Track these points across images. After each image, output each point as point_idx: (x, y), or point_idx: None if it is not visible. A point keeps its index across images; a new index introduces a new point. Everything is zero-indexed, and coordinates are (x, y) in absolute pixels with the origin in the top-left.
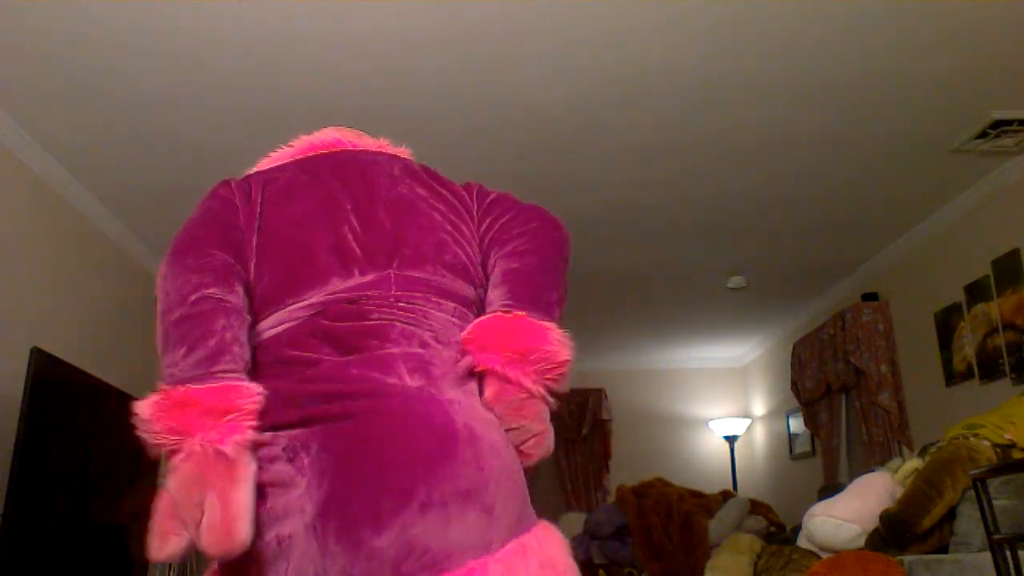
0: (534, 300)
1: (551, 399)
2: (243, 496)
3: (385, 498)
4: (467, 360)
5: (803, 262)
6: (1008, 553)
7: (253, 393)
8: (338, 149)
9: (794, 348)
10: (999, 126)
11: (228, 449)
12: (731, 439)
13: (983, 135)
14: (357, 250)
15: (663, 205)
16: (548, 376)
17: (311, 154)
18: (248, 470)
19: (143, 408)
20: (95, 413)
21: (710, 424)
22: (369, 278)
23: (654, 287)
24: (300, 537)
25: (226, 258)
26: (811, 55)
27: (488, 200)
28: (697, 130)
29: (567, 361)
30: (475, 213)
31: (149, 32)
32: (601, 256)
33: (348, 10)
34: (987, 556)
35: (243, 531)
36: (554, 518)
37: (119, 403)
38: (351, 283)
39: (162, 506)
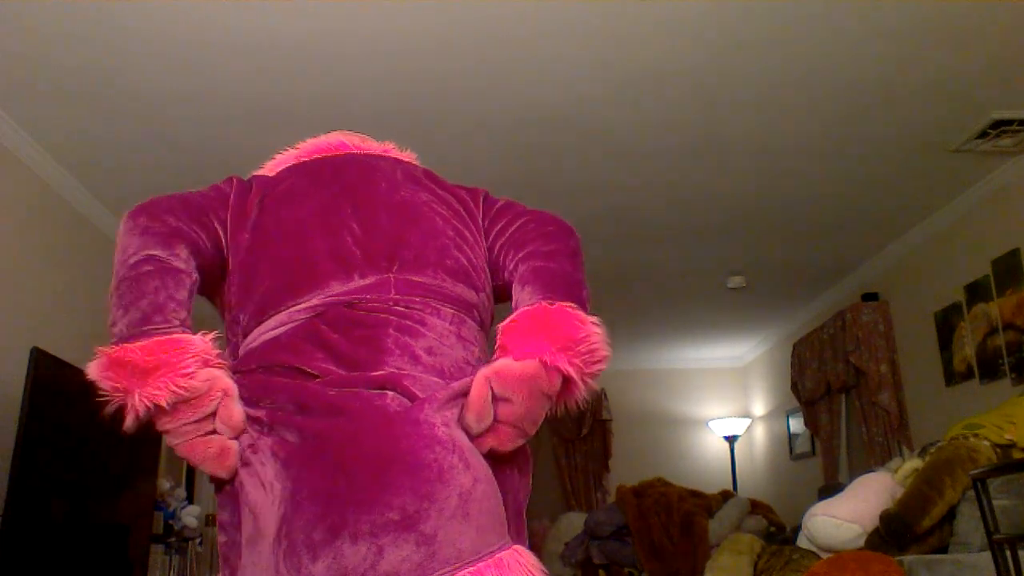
0: (571, 295)
1: (587, 391)
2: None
3: (320, 526)
4: (461, 384)
5: (803, 262)
6: (1008, 553)
7: (183, 344)
8: (342, 152)
9: (794, 348)
10: (999, 126)
11: (164, 403)
12: (731, 439)
13: (983, 135)
14: (357, 253)
15: (663, 205)
16: (589, 369)
17: (316, 156)
18: (193, 406)
19: (90, 370)
20: (95, 413)
21: (710, 424)
22: (368, 281)
23: (654, 287)
24: (267, 551)
25: (178, 224)
26: (811, 56)
27: (496, 207)
28: (698, 131)
29: (607, 356)
30: (480, 219)
31: (150, 33)
32: (601, 256)
33: (349, 12)
34: (987, 556)
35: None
36: (554, 518)
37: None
38: (350, 286)
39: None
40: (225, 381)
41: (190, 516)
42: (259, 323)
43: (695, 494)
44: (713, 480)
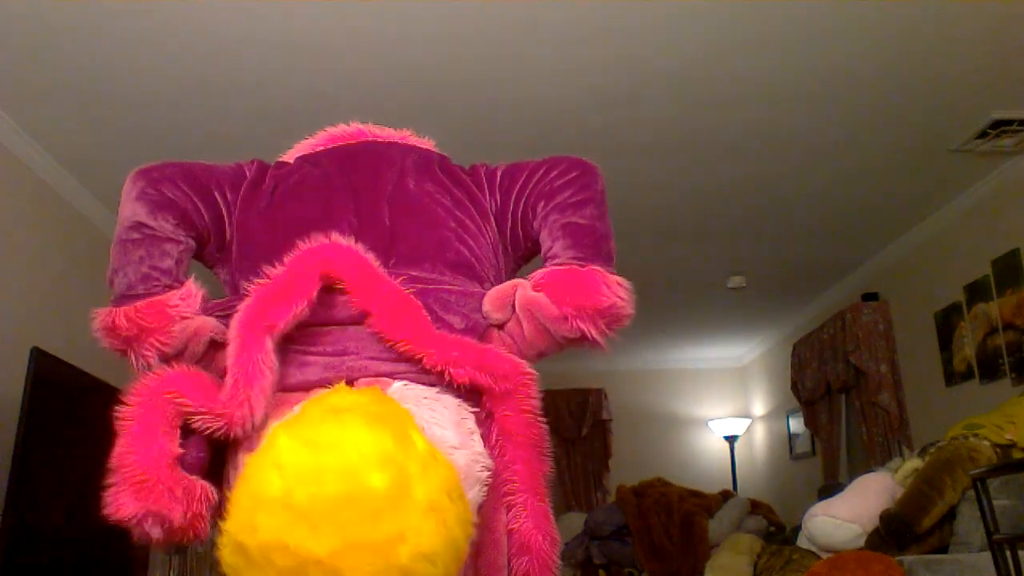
0: (600, 252)
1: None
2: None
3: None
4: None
5: (803, 262)
6: (1008, 553)
7: (160, 305)
8: (354, 141)
9: (794, 348)
10: (999, 126)
11: (153, 362)
12: (731, 439)
13: (983, 135)
14: None
15: (663, 205)
16: (612, 329)
17: (331, 145)
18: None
19: (94, 322)
20: (95, 413)
21: (710, 424)
22: None
23: (654, 287)
24: None
25: (172, 195)
26: (811, 55)
27: (501, 172)
28: (697, 130)
29: (631, 315)
30: (486, 201)
31: (150, 31)
32: None
33: (350, 8)
34: (987, 556)
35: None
36: (554, 518)
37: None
38: None
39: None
40: (197, 324)
41: None
42: None
43: (695, 494)
44: (713, 480)
